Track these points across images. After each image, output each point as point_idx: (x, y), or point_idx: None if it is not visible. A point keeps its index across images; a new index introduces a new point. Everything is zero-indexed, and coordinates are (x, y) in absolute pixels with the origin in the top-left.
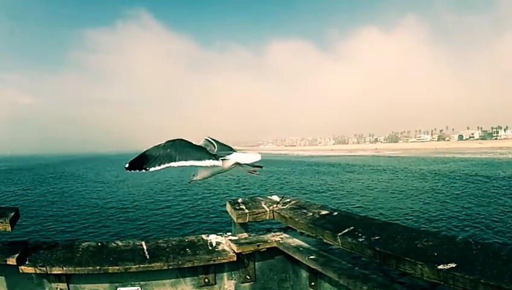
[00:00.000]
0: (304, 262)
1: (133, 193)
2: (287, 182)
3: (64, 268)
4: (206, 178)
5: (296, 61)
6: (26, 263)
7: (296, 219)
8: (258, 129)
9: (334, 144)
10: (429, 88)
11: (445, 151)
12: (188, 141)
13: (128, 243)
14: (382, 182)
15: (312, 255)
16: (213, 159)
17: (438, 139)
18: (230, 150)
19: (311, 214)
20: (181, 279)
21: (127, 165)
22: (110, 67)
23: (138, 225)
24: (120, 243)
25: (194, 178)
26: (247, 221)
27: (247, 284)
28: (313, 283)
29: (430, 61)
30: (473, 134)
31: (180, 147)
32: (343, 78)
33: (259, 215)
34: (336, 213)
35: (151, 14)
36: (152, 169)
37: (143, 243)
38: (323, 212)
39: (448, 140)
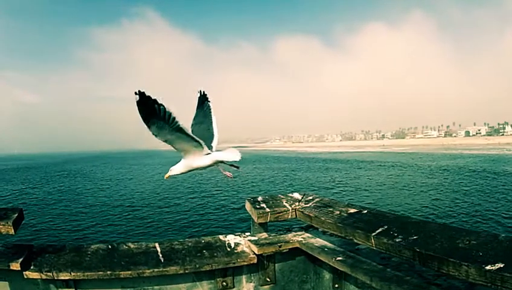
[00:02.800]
0: (330, 264)
1: (140, 191)
2: (295, 178)
3: (72, 273)
4: (183, 173)
5: (302, 57)
6: (31, 267)
7: (323, 218)
8: (265, 126)
9: (341, 140)
10: (435, 84)
11: (452, 147)
12: None
13: (141, 245)
14: (391, 178)
15: (339, 257)
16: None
17: (445, 136)
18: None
19: (338, 212)
20: (197, 283)
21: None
22: (116, 66)
23: (147, 223)
24: (132, 245)
25: (171, 173)
26: (268, 221)
27: (267, 286)
28: (336, 285)
29: (436, 57)
30: (479, 130)
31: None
32: (350, 74)
33: (281, 214)
34: (365, 211)
35: (157, 12)
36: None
37: (156, 244)
38: (352, 210)
39: (455, 136)
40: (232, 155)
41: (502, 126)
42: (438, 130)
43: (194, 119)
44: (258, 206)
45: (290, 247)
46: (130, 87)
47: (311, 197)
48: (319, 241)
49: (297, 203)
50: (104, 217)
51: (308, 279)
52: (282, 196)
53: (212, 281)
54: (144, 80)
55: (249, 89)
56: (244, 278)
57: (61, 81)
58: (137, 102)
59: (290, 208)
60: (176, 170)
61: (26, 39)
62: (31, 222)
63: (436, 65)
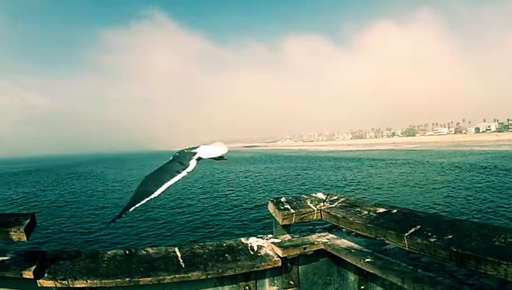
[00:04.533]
0: (358, 265)
1: None
2: (307, 178)
3: (89, 281)
4: None
5: (312, 55)
6: (45, 275)
7: (351, 219)
8: (275, 125)
9: (351, 138)
10: (445, 81)
11: (462, 144)
12: (156, 170)
13: (160, 249)
14: (403, 176)
15: (367, 258)
16: (182, 170)
17: (455, 132)
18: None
19: (366, 212)
20: (219, 287)
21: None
22: (125, 67)
23: (159, 225)
24: (151, 251)
25: None
26: (292, 222)
27: None
28: (362, 287)
29: (445, 54)
30: (489, 126)
31: (151, 179)
32: (359, 73)
33: (306, 215)
34: (395, 211)
35: (165, 14)
36: (132, 209)
37: (176, 249)
38: (380, 210)
39: (465, 133)
40: (218, 149)
41: (511, 122)
42: (448, 127)
43: None
44: (282, 207)
45: (315, 249)
46: (141, 88)
47: (335, 197)
48: (344, 243)
49: (322, 204)
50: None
51: (332, 281)
52: (305, 196)
53: (235, 285)
54: (155, 81)
55: (259, 88)
56: (267, 281)
57: (70, 84)
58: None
59: (315, 208)
60: None
61: (34, 42)
62: (42, 225)
63: (444, 62)
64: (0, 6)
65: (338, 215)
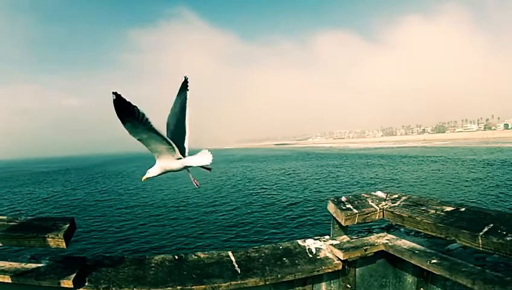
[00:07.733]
0: (424, 267)
1: (183, 191)
2: (338, 175)
3: (135, 289)
4: (158, 175)
5: (341, 52)
6: (86, 284)
7: (418, 218)
8: (306, 122)
9: (382, 135)
10: (473, 76)
11: (492, 140)
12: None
13: (212, 254)
14: (436, 173)
15: (433, 259)
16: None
17: (484, 129)
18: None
19: (433, 211)
20: None
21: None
22: (154, 66)
23: (191, 224)
24: (202, 255)
25: (148, 175)
26: (355, 223)
27: None
28: (421, 289)
29: (473, 49)
30: None
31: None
32: (389, 69)
33: (368, 215)
34: (463, 209)
35: (194, 12)
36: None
37: (230, 253)
38: (448, 208)
39: (494, 129)
40: (203, 159)
41: None
42: (477, 124)
43: (171, 110)
44: (343, 207)
45: (375, 250)
46: (171, 88)
47: (396, 196)
48: (406, 243)
49: (383, 203)
50: (148, 217)
51: (388, 283)
52: (366, 195)
53: None
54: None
55: (289, 85)
56: (323, 285)
57: (99, 83)
58: (114, 101)
59: (377, 208)
60: (152, 172)
61: (66, 43)
62: (76, 234)
63: (473, 57)
64: (31, 8)
65: (403, 214)
